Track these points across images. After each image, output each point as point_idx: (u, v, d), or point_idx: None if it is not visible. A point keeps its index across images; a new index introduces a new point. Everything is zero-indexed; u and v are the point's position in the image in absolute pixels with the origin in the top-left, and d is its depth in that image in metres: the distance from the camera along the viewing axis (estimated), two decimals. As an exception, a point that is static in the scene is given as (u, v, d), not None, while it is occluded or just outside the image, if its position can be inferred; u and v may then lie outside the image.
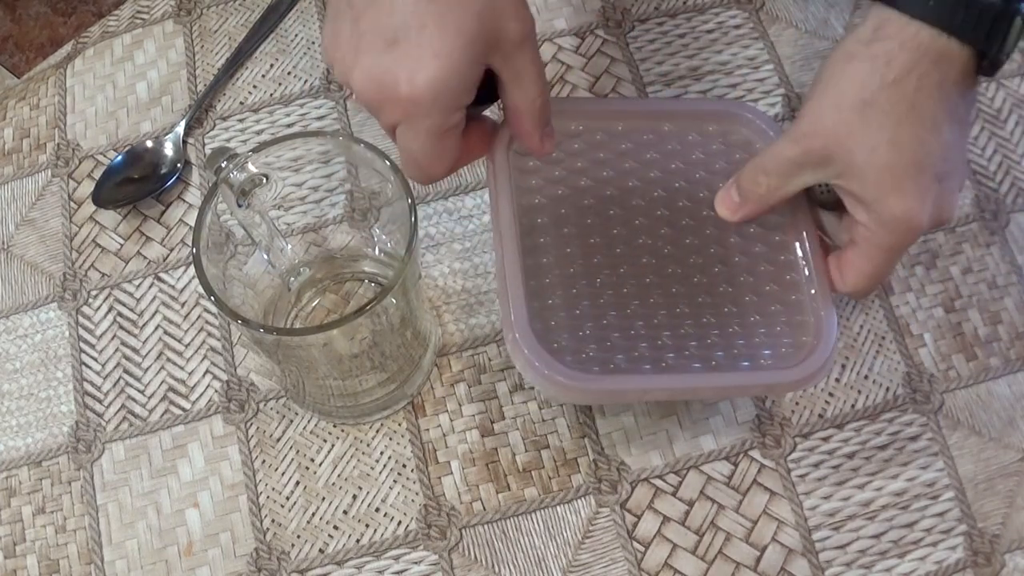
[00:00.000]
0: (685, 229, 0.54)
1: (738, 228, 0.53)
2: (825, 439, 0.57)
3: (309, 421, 0.58)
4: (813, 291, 0.51)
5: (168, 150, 0.65)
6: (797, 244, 0.53)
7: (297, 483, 0.57)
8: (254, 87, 0.68)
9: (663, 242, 0.53)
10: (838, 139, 0.45)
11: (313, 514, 0.56)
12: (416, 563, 0.55)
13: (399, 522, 0.56)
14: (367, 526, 0.56)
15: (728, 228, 0.53)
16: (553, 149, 0.50)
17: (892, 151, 0.44)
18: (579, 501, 0.56)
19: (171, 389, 0.60)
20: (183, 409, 0.59)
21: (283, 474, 0.57)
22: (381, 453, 0.57)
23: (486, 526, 0.55)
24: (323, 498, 0.57)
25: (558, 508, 0.56)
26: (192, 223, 0.63)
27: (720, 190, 0.52)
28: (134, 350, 0.61)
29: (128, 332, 0.61)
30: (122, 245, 0.64)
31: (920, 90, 0.43)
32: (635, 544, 0.55)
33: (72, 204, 0.65)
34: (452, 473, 0.57)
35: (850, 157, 0.45)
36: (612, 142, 0.55)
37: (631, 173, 0.55)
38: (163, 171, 0.65)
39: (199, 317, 0.61)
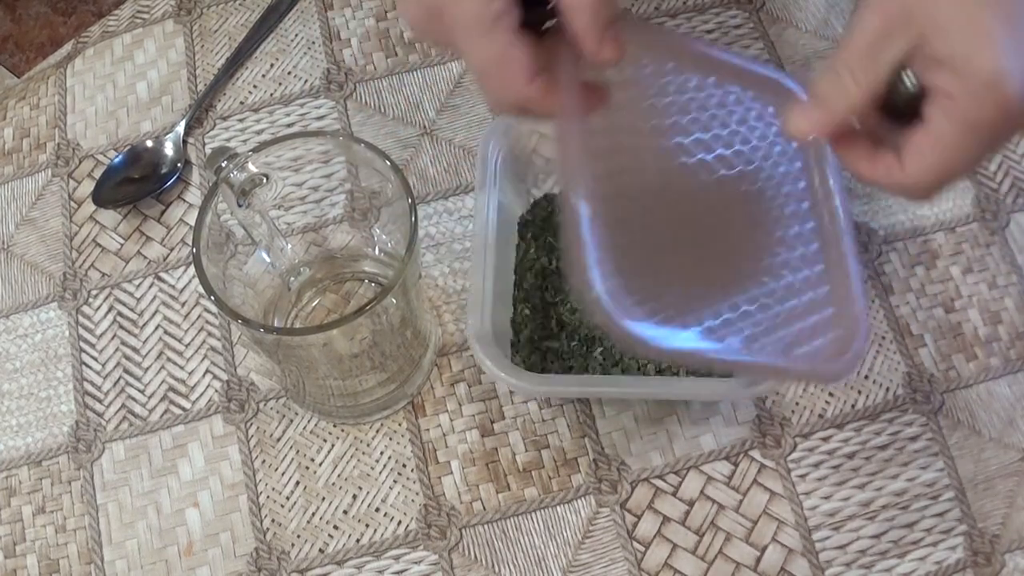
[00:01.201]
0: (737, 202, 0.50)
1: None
2: (825, 439, 0.57)
3: (309, 421, 0.58)
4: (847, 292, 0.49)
5: (168, 150, 0.65)
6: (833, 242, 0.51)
7: (297, 483, 0.57)
8: (254, 87, 0.68)
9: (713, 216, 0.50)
10: None
11: (313, 514, 0.56)
12: (416, 563, 0.55)
13: (399, 522, 0.56)
14: (367, 526, 0.56)
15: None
16: (616, 57, 0.42)
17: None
18: (579, 501, 0.56)
19: (171, 389, 0.60)
20: (183, 409, 0.59)
21: (283, 474, 0.57)
22: (381, 453, 0.57)
23: (486, 526, 0.55)
24: (323, 498, 0.57)
25: (558, 508, 0.56)
26: (192, 223, 0.63)
27: (790, 110, 0.43)
28: (134, 350, 0.61)
29: (128, 332, 0.61)
30: (122, 245, 0.64)
31: None
32: (635, 544, 0.55)
33: (72, 204, 0.65)
34: (452, 473, 0.57)
35: (933, 9, 0.39)
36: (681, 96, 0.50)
37: (693, 127, 0.50)
38: (163, 171, 0.65)
39: (199, 317, 0.61)
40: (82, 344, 0.61)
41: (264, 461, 0.58)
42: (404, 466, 0.57)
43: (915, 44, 0.39)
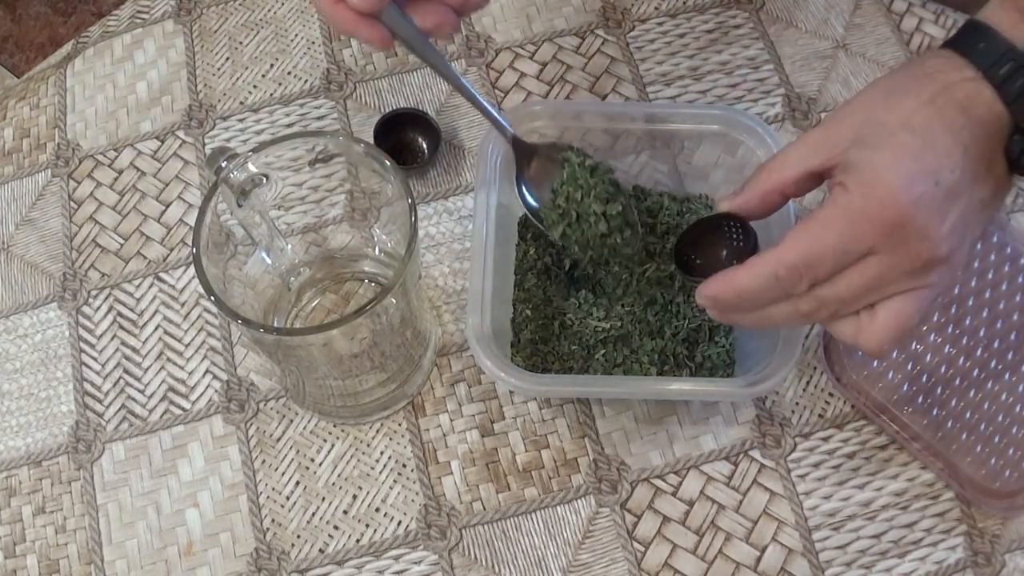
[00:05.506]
0: None
1: None
2: (825, 439, 0.57)
3: (309, 421, 0.58)
4: None
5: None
6: None
7: (297, 483, 0.57)
8: (254, 87, 0.68)
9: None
10: (870, 118, 0.43)
11: (313, 514, 0.56)
12: (416, 563, 0.55)
13: (399, 522, 0.56)
14: (367, 526, 0.56)
15: None
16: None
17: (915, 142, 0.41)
18: (579, 501, 0.56)
19: (171, 389, 0.60)
20: (183, 409, 0.59)
21: (283, 474, 0.57)
22: (381, 453, 0.57)
23: (486, 526, 0.55)
24: (323, 498, 0.57)
25: (558, 508, 0.56)
26: (192, 223, 0.63)
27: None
28: (134, 350, 0.61)
29: (128, 332, 0.61)
30: (122, 245, 0.64)
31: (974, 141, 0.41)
32: (635, 544, 0.55)
33: (72, 204, 0.65)
34: (452, 473, 0.57)
35: (873, 142, 0.42)
36: None
37: None
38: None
39: (199, 317, 0.61)
40: (82, 344, 0.61)
41: (264, 461, 0.58)
42: (404, 466, 0.57)
43: (839, 159, 0.43)
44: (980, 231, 0.44)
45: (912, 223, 0.40)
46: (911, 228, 0.40)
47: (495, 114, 0.53)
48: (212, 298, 0.46)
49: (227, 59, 0.69)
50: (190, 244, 0.63)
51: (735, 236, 0.48)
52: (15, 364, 0.61)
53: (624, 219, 0.53)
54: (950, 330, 0.56)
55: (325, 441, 0.58)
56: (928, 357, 0.56)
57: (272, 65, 0.69)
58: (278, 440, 0.58)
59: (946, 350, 0.56)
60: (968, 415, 0.55)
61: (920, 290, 0.42)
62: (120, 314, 0.62)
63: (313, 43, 0.69)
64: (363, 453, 0.57)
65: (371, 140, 0.63)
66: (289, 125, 0.67)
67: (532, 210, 0.54)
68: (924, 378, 0.56)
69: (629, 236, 0.54)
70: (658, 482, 0.56)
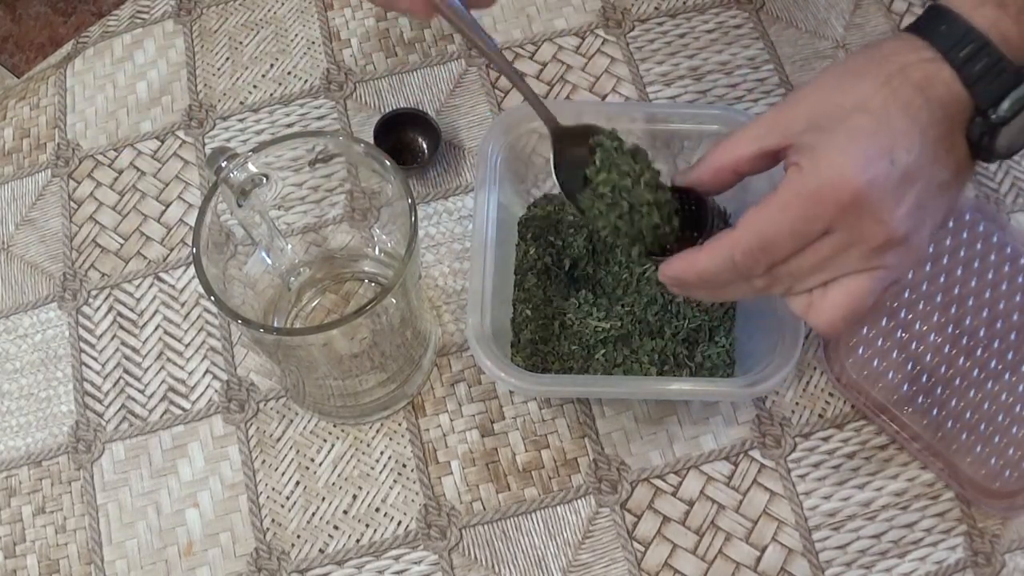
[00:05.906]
0: None
1: None
2: (825, 439, 0.57)
3: (309, 421, 0.58)
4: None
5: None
6: None
7: (297, 483, 0.57)
8: (254, 87, 0.68)
9: None
10: (824, 109, 0.43)
11: (313, 514, 0.56)
12: (416, 563, 0.55)
13: (399, 522, 0.56)
14: (367, 526, 0.56)
15: None
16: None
17: (866, 119, 0.42)
18: (579, 501, 0.56)
19: (171, 389, 0.60)
20: (183, 409, 0.59)
21: (283, 474, 0.57)
22: (381, 453, 0.57)
23: (486, 526, 0.55)
24: (323, 498, 0.57)
25: (558, 508, 0.56)
26: (192, 223, 0.63)
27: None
28: (134, 350, 0.61)
29: (128, 332, 0.61)
30: (122, 245, 0.64)
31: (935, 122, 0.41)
32: (635, 544, 0.55)
33: (72, 204, 0.65)
34: (452, 473, 0.57)
35: (829, 126, 0.42)
36: None
37: None
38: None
39: (199, 317, 0.61)
40: (82, 344, 0.61)
41: (264, 461, 0.58)
42: (404, 466, 0.57)
43: (792, 142, 0.43)
44: (942, 215, 0.44)
45: (866, 203, 0.40)
46: (865, 208, 0.40)
47: (540, 100, 0.51)
48: (212, 298, 0.46)
49: (227, 59, 0.69)
50: (190, 244, 0.63)
51: (686, 210, 0.49)
52: (15, 364, 0.61)
53: (672, 206, 0.49)
54: (950, 330, 0.56)
55: (325, 441, 0.58)
56: (928, 357, 0.56)
57: (272, 65, 0.69)
58: (278, 440, 0.58)
59: (946, 350, 0.56)
60: (968, 415, 0.54)
61: (875, 271, 0.42)
62: (120, 314, 0.62)
63: (313, 43, 0.69)
64: (363, 453, 0.57)
65: (371, 140, 0.63)
66: (289, 125, 0.67)
67: (573, 199, 0.51)
68: (924, 378, 0.56)
69: (677, 225, 0.50)
70: (658, 482, 0.56)
